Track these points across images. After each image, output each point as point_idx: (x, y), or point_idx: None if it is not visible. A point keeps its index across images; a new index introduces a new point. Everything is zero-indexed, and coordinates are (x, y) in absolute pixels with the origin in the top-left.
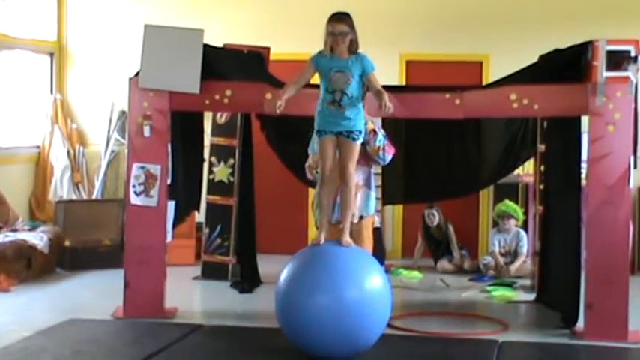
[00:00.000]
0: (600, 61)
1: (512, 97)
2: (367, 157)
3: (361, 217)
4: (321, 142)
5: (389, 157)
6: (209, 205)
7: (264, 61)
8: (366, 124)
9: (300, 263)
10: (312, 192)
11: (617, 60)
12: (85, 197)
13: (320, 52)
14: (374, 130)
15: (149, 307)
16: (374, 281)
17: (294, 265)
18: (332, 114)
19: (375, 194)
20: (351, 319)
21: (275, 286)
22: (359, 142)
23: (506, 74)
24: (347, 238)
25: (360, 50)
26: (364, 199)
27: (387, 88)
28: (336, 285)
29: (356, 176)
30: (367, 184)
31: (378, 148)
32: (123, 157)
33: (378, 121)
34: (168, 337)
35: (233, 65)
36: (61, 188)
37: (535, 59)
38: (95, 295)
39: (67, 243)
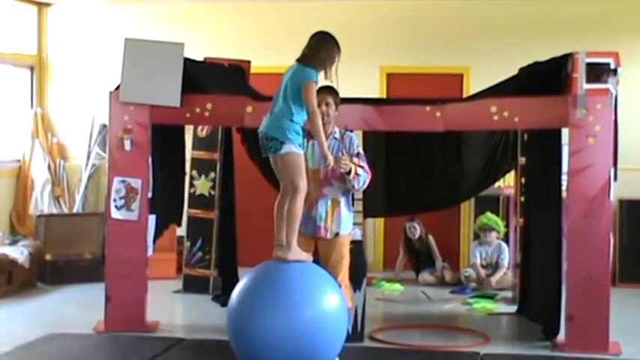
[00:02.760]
0: (580, 74)
1: (493, 109)
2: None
3: (337, 234)
4: (301, 158)
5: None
6: (190, 218)
7: (244, 75)
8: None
9: (253, 281)
10: None
11: (597, 72)
12: (65, 211)
13: (316, 73)
14: (357, 173)
15: (130, 321)
16: (329, 300)
17: (247, 282)
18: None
19: (351, 211)
20: (304, 338)
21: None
22: None
23: (486, 87)
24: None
25: (341, 64)
26: (340, 216)
27: (368, 100)
28: (289, 304)
29: (333, 192)
30: (345, 200)
31: (357, 187)
32: (104, 171)
33: (355, 139)
34: (149, 351)
35: (214, 78)
36: (41, 202)
37: (515, 71)
38: (76, 309)
39: (47, 257)
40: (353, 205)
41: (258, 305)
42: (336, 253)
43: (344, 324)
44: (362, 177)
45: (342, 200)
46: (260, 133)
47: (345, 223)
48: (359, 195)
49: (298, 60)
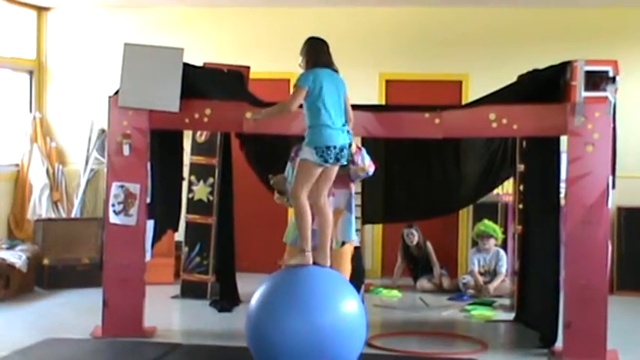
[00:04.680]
0: (579, 82)
1: (492, 116)
2: (347, 180)
3: (343, 243)
4: None
5: (372, 169)
6: (188, 223)
7: (244, 80)
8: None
9: (273, 287)
10: (291, 212)
11: (596, 80)
12: (63, 216)
13: None
14: (358, 147)
15: (128, 326)
16: (348, 306)
17: (266, 288)
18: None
19: (353, 214)
20: (324, 344)
21: None
22: None
23: (485, 94)
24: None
25: (339, 69)
26: (346, 224)
27: (367, 107)
28: (309, 309)
29: (336, 200)
30: (348, 207)
31: (364, 164)
32: (102, 176)
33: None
34: (146, 356)
35: (213, 84)
36: (39, 206)
37: (514, 79)
38: (73, 314)
39: (45, 262)
40: (354, 208)
41: (278, 310)
42: (338, 262)
43: (363, 330)
44: (364, 152)
45: (346, 207)
46: (345, 145)
47: (350, 229)
48: (357, 201)
49: (332, 68)
